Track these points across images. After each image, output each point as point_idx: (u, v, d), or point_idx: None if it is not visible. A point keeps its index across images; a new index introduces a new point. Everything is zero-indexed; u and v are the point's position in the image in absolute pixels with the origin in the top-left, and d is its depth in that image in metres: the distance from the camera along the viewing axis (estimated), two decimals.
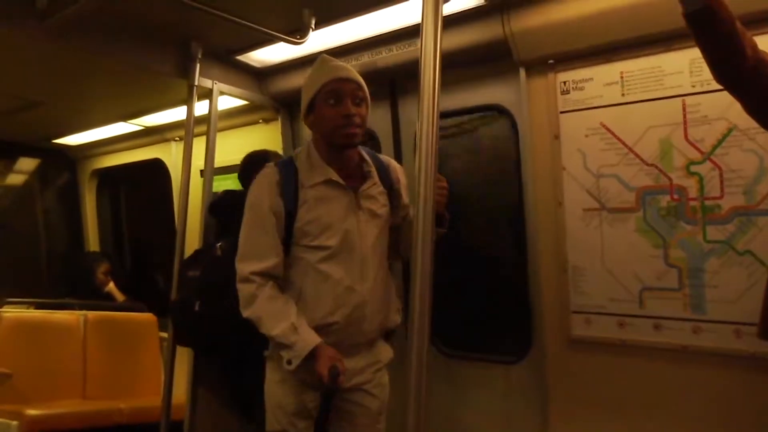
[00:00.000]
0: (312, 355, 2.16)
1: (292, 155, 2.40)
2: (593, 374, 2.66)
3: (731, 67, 1.72)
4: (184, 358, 3.43)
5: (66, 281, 5.36)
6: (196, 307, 2.85)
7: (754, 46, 1.72)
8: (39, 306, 4.67)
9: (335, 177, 2.29)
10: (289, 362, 2.19)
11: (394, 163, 2.51)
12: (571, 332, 2.71)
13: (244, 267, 2.28)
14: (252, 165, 3.24)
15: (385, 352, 2.41)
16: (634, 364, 2.55)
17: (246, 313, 2.28)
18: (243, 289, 2.28)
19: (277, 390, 2.33)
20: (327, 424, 2.20)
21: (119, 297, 5.14)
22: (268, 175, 2.32)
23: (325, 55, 2.37)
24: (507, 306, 3.23)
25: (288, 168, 2.32)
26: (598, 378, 2.64)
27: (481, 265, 3.42)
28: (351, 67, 2.33)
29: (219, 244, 3.02)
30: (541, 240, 2.80)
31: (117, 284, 5.21)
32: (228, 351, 2.99)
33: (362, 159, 2.38)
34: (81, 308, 4.68)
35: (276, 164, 2.37)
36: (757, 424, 1.92)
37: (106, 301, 5.05)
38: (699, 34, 1.70)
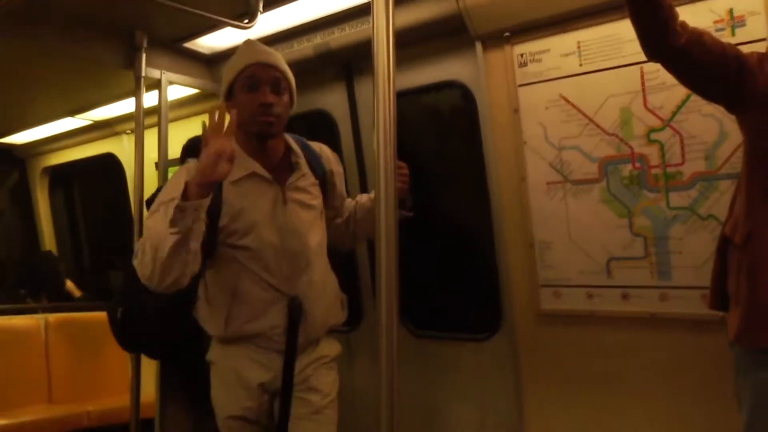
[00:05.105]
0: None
1: None
2: (564, 347, 2.66)
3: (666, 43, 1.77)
4: None
5: (27, 284, 5.20)
6: (119, 315, 2.70)
7: (683, 23, 1.77)
8: None
9: (259, 170, 2.16)
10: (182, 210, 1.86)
11: (327, 151, 2.40)
12: (541, 306, 2.70)
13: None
14: (194, 152, 3.13)
15: (330, 347, 2.32)
16: (603, 335, 2.55)
17: (135, 262, 1.98)
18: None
19: (219, 395, 2.24)
20: None
21: (77, 293, 5.03)
22: (189, 170, 2.06)
23: (250, 38, 2.26)
24: (475, 283, 3.21)
25: None
26: (570, 350, 2.64)
27: (448, 244, 3.39)
28: (279, 55, 2.21)
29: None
30: (507, 215, 2.78)
31: (74, 282, 5.09)
32: (163, 354, 2.91)
33: (289, 149, 2.27)
34: (44, 311, 4.57)
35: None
36: (725, 385, 1.94)
37: (66, 301, 4.93)
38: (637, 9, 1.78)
